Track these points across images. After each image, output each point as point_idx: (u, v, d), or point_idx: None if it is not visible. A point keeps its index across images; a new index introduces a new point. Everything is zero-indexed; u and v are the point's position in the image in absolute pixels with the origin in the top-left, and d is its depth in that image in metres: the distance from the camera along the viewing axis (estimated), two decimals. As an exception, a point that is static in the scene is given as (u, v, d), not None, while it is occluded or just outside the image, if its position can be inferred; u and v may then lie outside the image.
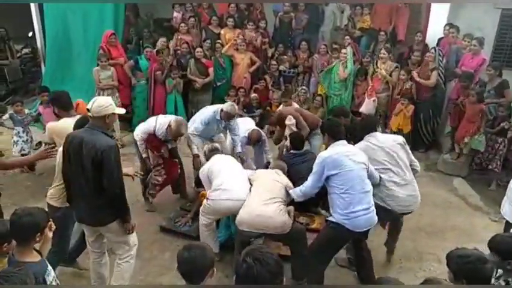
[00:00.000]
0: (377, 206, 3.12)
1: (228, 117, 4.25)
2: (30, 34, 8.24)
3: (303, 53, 6.77)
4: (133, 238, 2.94)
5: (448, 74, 5.88)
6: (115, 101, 6.14)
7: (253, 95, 6.54)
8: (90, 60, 6.54)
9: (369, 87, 6.01)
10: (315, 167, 2.96)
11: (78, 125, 2.96)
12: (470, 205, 4.84)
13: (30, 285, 1.84)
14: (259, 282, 1.53)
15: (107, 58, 6.09)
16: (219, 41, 6.67)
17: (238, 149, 4.46)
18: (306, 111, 4.89)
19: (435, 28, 6.22)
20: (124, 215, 2.77)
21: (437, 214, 4.58)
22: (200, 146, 4.32)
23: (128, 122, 6.45)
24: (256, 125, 5.16)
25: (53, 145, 3.42)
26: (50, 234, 2.26)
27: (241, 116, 5.68)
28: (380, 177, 3.16)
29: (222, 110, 4.23)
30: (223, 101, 6.60)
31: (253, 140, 4.60)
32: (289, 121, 4.50)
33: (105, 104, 2.67)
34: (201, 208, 3.48)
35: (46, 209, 2.49)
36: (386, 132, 5.36)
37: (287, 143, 4.35)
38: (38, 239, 2.13)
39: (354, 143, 3.80)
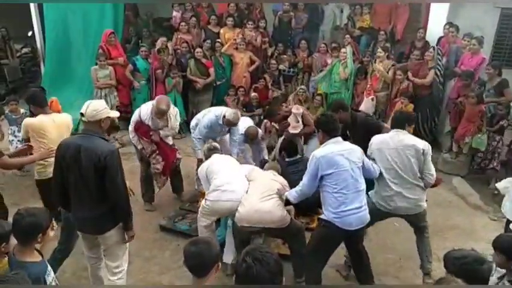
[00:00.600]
0: (373, 205, 3.14)
1: (230, 124, 4.31)
2: (29, 34, 8.23)
3: (303, 51, 6.76)
4: (126, 256, 2.89)
5: (447, 73, 5.88)
6: (113, 100, 6.22)
7: (252, 94, 6.54)
8: (90, 60, 6.53)
9: (368, 85, 6.01)
10: (308, 167, 2.91)
11: None
12: (469, 204, 4.85)
13: (30, 285, 1.85)
14: (259, 282, 1.53)
15: (106, 57, 6.10)
16: (218, 40, 6.67)
17: (234, 151, 4.50)
18: (308, 116, 4.82)
19: (435, 27, 6.21)
20: (127, 221, 2.73)
21: (436, 213, 4.58)
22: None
23: (128, 122, 6.44)
24: (257, 124, 5.16)
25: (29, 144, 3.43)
26: (52, 234, 2.26)
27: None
28: (382, 173, 3.12)
29: (224, 117, 4.26)
30: (223, 101, 6.64)
31: (250, 137, 4.62)
32: (297, 110, 4.48)
33: (100, 107, 2.60)
34: (200, 209, 3.46)
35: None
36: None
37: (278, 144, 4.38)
38: (39, 239, 2.13)
39: (354, 137, 3.81)
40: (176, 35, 6.89)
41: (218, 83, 6.64)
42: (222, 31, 6.84)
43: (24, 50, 8.47)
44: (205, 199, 3.39)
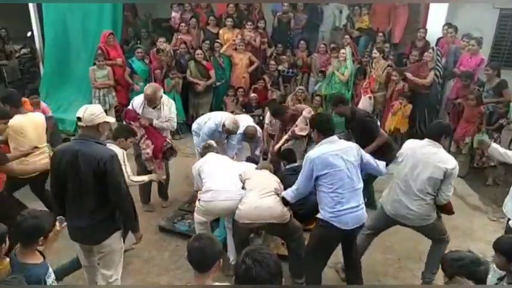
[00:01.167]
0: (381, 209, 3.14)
1: (229, 133, 4.35)
2: (29, 34, 8.22)
3: (302, 52, 6.76)
4: (121, 264, 2.87)
5: (446, 74, 5.89)
6: (111, 100, 6.21)
7: (252, 95, 6.54)
8: (89, 60, 6.53)
9: (365, 83, 5.99)
10: (303, 167, 2.90)
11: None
12: (468, 205, 4.84)
13: (31, 285, 1.85)
14: (258, 283, 1.53)
15: (104, 58, 6.09)
16: (218, 40, 6.67)
17: (230, 154, 4.50)
18: None
19: (434, 28, 6.22)
20: (134, 224, 2.72)
21: (435, 214, 4.58)
22: None
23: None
24: (257, 123, 5.16)
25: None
26: (55, 237, 2.27)
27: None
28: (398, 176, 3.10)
29: (224, 125, 4.30)
30: (222, 102, 6.64)
31: (249, 136, 4.64)
32: (308, 113, 4.42)
33: (97, 112, 2.56)
34: (195, 210, 3.47)
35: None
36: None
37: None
38: (40, 242, 2.13)
39: (353, 130, 3.79)
40: (176, 35, 6.89)
41: (218, 83, 6.63)
42: (221, 32, 6.84)
43: (23, 50, 8.44)
44: (199, 199, 3.38)
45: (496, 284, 2.18)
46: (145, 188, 4.38)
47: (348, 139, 3.77)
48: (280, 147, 4.54)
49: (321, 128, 2.94)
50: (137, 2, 7.73)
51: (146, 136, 4.15)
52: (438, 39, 6.15)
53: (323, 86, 6.44)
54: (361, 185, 2.92)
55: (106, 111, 6.05)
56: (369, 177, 3.73)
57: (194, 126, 4.76)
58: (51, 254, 2.34)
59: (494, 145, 3.32)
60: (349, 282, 3.25)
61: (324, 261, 3.08)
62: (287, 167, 4.01)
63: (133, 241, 2.93)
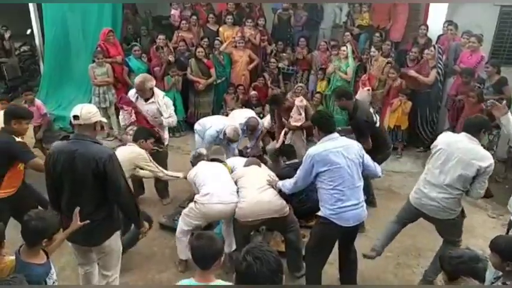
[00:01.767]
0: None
1: (230, 141, 4.40)
2: (28, 31, 8.21)
3: (302, 49, 6.74)
4: (119, 264, 2.85)
5: (447, 71, 5.88)
6: (111, 97, 6.21)
7: (252, 92, 6.53)
8: (89, 58, 6.52)
9: (364, 76, 5.92)
10: (303, 163, 2.90)
11: None
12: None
13: (31, 285, 1.87)
14: (260, 279, 1.54)
15: (103, 55, 6.08)
16: (218, 38, 6.65)
17: (230, 156, 4.54)
18: (311, 110, 4.75)
19: (434, 25, 6.20)
20: (137, 221, 2.72)
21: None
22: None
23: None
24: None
25: None
26: (59, 237, 2.28)
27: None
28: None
29: (225, 134, 4.38)
30: (222, 99, 6.64)
31: (250, 128, 4.69)
32: (300, 102, 4.43)
33: (93, 110, 2.52)
34: (185, 211, 3.44)
35: None
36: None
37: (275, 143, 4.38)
38: (44, 243, 2.13)
39: (352, 127, 3.73)
40: (177, 33, 6.87)
41: (218, 81, 6.63)
42: (221, 29, 6.82)
43: (23, 48, 8.45)
44: (194, 201, 3.38)
45: (493, 283, 2.19)
46: (138, 186, 4.41)
47: (348, 133, 3.83)
48: (281, 144, 4.57)
49: (322, 125, 2.94)
50: (137, 2, 7.70)
51: (135, 124, 4.15)
52: (439, 37, 6.13)
53: (323, 84, 6.43)
54: (361, 182, 2.92)
55: (106, 108, 6.16)
56: (367, 175, 3.74)
57: (197, 126, 4.81)
58: (55, 255, 2.36)
59: (509, 115, 3.11)
60: (343, 283, 3.24)
61: (325, 258, 3.08)
62: (287, 162, 4.02)
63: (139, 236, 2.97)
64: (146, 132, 3.79)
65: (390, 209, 4.59)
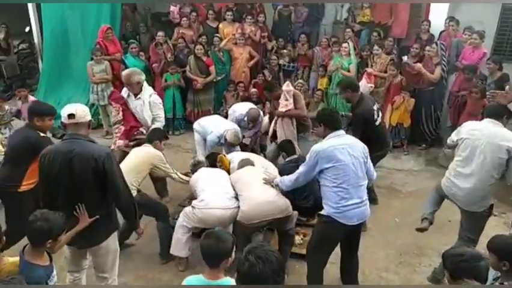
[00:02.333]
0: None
1: (231, 145, 4.42)
2: (27, 29, 8.17)
3: (303, 45, 6.70)
4: (117, 265, 2.82)
5: (449, 68, 5.84)
6: (109, 95, 6.16)
7: (252, 89, 6.50)
8: (88, 55, 6.48)
9: (368, 71, 5.85)
10: (308, 159, 2.88)
11: None
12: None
13: (30, 285, 1.85)
14: (262, 279, 1.55)
15: (102, 52, 6.05)
16: (217, 35, 6.61)
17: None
18: (300, 98, 4.65)
19: (436, 21, 6.16)
20: (134, 222, 2.70)
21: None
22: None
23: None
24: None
25: None
26: (64, 238, 2.27)
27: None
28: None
29: (226, 139, 4.40)
30: (222, 97, 6.60)
31: (251, 119, 4.71)
32: (287, 87, 4.40)
33: (86, 109, 2.51)
34: (185, 211, 3.43)
35: None
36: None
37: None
38: (49, 245, 2.12)
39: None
40: (177, 29, 6.82)
41: (218, 78, 6.59)
42: (220, 26, 6.78)
43: (22, 45, 8.42)
44: (192, 206, 3.36)
45: (492, 283, 2.17)
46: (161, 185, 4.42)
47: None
48: (274, 130, 4.53)
49: (328, 122, 2.92)
50: (137, 2, 7.65)
51: (122, 123, 4.13)
52: (440, 33, 6.10)
53: (323, 81, 6.39)
54: (366, 181, 2.90)
55: (104, 106, 6.13)
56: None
57: (196, 125, 4.81)
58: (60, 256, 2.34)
59: None
60: (344, 282, 3.23)
61: (326, 257, 3.05)
62: (287, 159, 4.00)
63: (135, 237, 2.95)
64: (160, 133, 3.82)
65: (392, 207, 4.60)
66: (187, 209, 3.43)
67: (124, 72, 4.11)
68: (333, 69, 6.17)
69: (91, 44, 6.42)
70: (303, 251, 3.32)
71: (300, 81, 6.29)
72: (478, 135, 2.99)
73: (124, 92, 4.13)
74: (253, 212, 3.09)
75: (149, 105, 4.02)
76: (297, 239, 3.69)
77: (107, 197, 2.53)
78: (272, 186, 3.23)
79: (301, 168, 2.95)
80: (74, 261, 2.75)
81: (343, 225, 2.80)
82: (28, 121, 3.15)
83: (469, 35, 5.66)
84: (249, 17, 6.69)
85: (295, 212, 3.39)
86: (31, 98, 5.40)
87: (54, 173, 2.41)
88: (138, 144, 3.94)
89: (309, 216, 3.79)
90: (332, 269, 3.36)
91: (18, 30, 8.36)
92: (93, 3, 6.65)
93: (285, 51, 6.66)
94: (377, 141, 3.88)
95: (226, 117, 5.34)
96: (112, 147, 4.07)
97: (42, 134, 3.09)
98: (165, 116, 6.33)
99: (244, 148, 4.80)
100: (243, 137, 4.89)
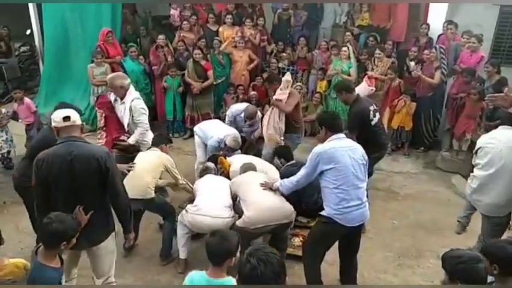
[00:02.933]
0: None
1: (231, 150, 4.46)
2: (28, 32, 8.21)
3: (302, 48, 6.73)
4: (114, 267, 2.83)
5: (448, 71, 5.87)
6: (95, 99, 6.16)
7: (252, 92, 6.52)
8: (88, 58, 6.52)
9: (369, 74, 5.85)
10: (309, 161, 2.92)
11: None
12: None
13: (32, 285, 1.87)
14: (264, 282, 1.57)
15: (102, 55, 6.08)
16: (216, 38, 6.64)
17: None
18: (295, 93, 4.68)
19: (434, 25, 6.19)
20: (128, 223, 2.71)
21: (436, 211, 4.59)
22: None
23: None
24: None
25: None
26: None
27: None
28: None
29: (225, 144, 4.44)
30: (222, 99, 6.63)
31: (248, 116, 4.79)
32: (288, 76, 4.51)
33: (77, 113, 2.54)
34: (181, 214, 3.48)
35: None
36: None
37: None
38: (63, 247, 2.15)
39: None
40: (178, 33, 6.86)
41: (218, 81, 6.61)
42: (220, 29, 6.81)
43: (23, 48, 8.45)
44: (186, 210, 3.40)
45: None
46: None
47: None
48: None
49: (329, 125, 2.97)
50: (138, 1, 7.69)
51: (104, 129, 4.16)
52: (439, 36, 6.13)
53: (323, 84, 6.42)
54: (365, 184, 2.94)
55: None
56: None
57: (196, 129, 4.85)
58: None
59: None
60: (343, 283, 3.25)
61: (323, 255, 3.09)
62: (286, 164, 4.02)
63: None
64: (165, 138, 4.03)
65: (390, 209, 4.63)
66: (183, 211, 3.47)
67: (108, 76, 4.15)
68: (333, 74, 6.21)
69: (91, 46, 6.46)
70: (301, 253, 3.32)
71: (299, 84, 6.32)
72: (495, 142, 3.07)
73: (112, 96, 4.12)
74: (260, 218, 3.10)
75: (130, 110, 3.94)
76: (296, 241, 3.70)
77: (105, 197, 2.56)
78: (271, 190, 3.24)
79: (303, 171, 2.98)
80: (69, 265, 2.75)
81: (343, 227, 2.84)
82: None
83: (467, 38, 5.70)
84: (249, 21, 6.73)
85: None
86: (27, 100, 5.43)
87: (54, 176, 2.39)
88: (122, 150, 3.93)
89: (312, 217, 3.80)
90: (332, 270, 3.38)
91: (19, 33, 8.40)
92: (92, 6, 6.67)
93: (284, 54, 6.70)
94: (374, 143, 3.92)
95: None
96: None
97: None
98: (166, 119, 6.51)
99: (242, 144, 4.84)
100: (240, 131, 4.95)
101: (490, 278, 2.19)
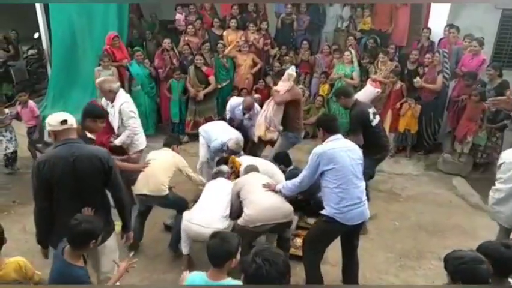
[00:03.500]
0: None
1: (234, 153, 4.51)
2: (36, 35, 8.34)
3: (305, 51, 6.79)
4: (115, 268, 2.82)
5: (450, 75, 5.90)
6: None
7: (255, 95, 6.59)
8: (95, 61, 6.61)
9: (373, 77, 5.85)
10: (309, 162, 2.99)
11: None
12: (470, 204, 4.88)
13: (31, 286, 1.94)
14: (269, 281, 1.61)
15: (109, 59, 6.16)
16: (220, 41, 6.73)
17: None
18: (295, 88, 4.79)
19: (435, 29, 6.23)
20: (129, 223, 2.77)
21: (437, 213, 4.63)
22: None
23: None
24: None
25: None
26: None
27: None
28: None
29: (228, 147, 4.50)
30: (226, 102, 6.68)
31: (246, 107, 4.90)
32: (292, 71, 4.54)
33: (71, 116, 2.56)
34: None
35: None
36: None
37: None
38: (92, 245, 2.22)
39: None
40: (183, 37, 6.95)
41: (223, 84, 6.69)
42: (225, 33, 6.89)
43: (31, 51, 8.57)
44: (183, 215, 3.50)
45: None
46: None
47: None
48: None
49: (327, 127, 3.07)
50: (144, 2, 7.78)
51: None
52: (440, 40, 6.17)
53: (325, 87, 6.47)
54: (363, 183, 3.02)
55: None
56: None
57: (201, 130, 4.89)
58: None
59: None
60: (345, 282, 3.30)
61: (323, 252, 3.16)
62: (290, 169, 4.11)
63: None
64: (176, 139, 4.22)
65: (392, 211, 4.66)
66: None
67: (97, 80, 4.22)
68: (336, 77, 6.25)
69: (98, 50, 6.55)
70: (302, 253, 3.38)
71: (301, 86, 6.38)
72: None
73: (104, 101, 4.18)
74: (259, 216, 3.16)
75: (120, 113, 3.98)
76: (299, 241, 3.75)
77: (106, 197, 2.64)
78: (274, 191, 3.30)
79: (305, 172, 3.06)
80: None
81: (344, 226, 2.91)
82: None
83: (468, 42, 5.73)
84: (252, 25, 6.81)
85: (295, 217, 3.47)
86: (31, 103, 5.54)
87: (57, 178, 2.39)
88: (110, 151, 3.96)
89: (311, 216, 3.87)
90: (333, 271, 3.43)
91: (27, 36, 8.53)
92: (100, 10, 6.75)
93: (287, 58, 6.77)
94: (375, 145, 3.99)
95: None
96: None
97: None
98: (171, 121, 6.59)
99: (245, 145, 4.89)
100: (241, 121, 5.06)
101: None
